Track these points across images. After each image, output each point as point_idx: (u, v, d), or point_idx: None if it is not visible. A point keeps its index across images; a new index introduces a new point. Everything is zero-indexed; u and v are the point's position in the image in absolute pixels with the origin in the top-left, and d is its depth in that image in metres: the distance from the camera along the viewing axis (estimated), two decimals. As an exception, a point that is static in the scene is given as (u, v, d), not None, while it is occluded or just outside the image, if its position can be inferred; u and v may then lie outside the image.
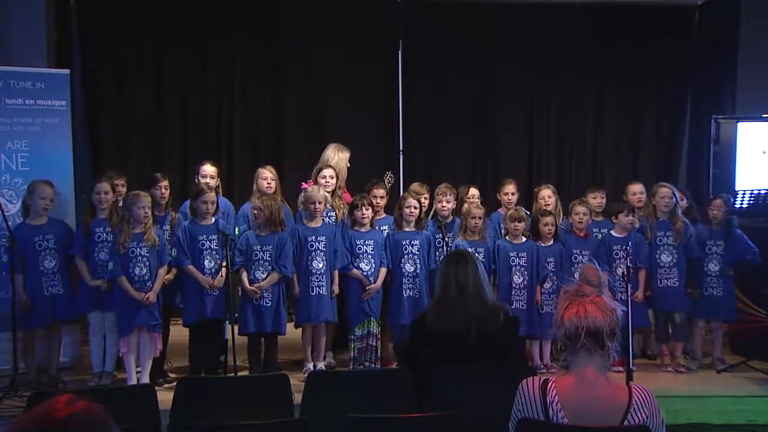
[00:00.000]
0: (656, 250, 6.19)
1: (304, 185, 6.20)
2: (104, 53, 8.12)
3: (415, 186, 6.56)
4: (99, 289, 5.68)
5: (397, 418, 3.31)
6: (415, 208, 5.98)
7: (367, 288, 5.86)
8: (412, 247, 5.94)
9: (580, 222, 6.20)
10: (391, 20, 8.57)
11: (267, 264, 5.71)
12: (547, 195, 6.53)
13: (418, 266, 5.93)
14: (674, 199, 6.21)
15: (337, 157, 6.46)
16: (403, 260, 5.93)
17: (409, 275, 5.93)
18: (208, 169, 6.26)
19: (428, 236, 6.02)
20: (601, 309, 2.48)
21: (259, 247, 5.71)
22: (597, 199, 6.50)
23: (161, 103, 8.31)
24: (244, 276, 5.69)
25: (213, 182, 6.14)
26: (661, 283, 6.18)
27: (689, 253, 6.19)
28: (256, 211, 5.76)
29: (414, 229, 6.01)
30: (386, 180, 6.67)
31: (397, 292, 5.94)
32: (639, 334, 6.39)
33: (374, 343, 5.89)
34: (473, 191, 6.63)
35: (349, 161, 6.55)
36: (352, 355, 5.89)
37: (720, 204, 6.29)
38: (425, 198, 6.37)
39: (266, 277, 5.70)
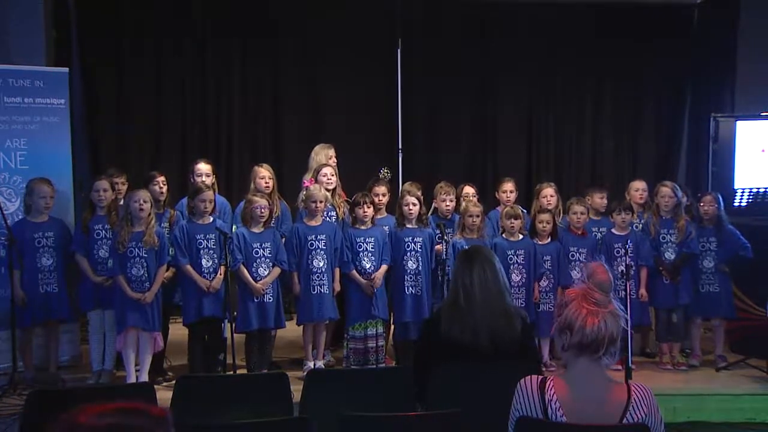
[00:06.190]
0: (659, 248, 6.19)
1: (306, 183, 6.20)
2: (103, 52, 8.13)
3: (406, 186, 6.53)
4: (100, 287, 5.69)
5: (397, 417, 3.30)
6: (414, 204, 5.96)
7: (367, 282, 5.80)
8: (415, 244, 5.93)
9: (578, 221, 6.20)
10: (391, 20, 8.57)
11: (268, 260, 5.72)
12: (549, 194, 6.50)
13: (421, 263, 5.92)
14: (676, 197, 6.21)
15: (324, 156, 6.43)
16: (405, 257, 5.92)
17: (412, 272, 5.92)
18: (203, 167, 6.23)
19: (431, 233, 6.01)
20: (618, 321, 2.47)
21: (258, 244, 5.71)
22: (600, 199, 6.50)
23: (161, 102, 8.32)
24: (247, 273, 5.68)
25: (209, 180, 6.13)
26: (666, 281, 6.19)
27: (687, 249, 6.17)
28: (260, 209, 5.72)
29: (416, 226, 6.00)
30: (382, 175, 6.64)
31: (399, 289, 5.93)
32: (638, 332, 6.38)
33: (380, 344, 5.87)
34: (468, 189, 6.62)
35: (337, 157, 6.48)
36: (345, 353, 5.88)
37: (710, 200, 6.29)
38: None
39: (269, 274, 5.71)
